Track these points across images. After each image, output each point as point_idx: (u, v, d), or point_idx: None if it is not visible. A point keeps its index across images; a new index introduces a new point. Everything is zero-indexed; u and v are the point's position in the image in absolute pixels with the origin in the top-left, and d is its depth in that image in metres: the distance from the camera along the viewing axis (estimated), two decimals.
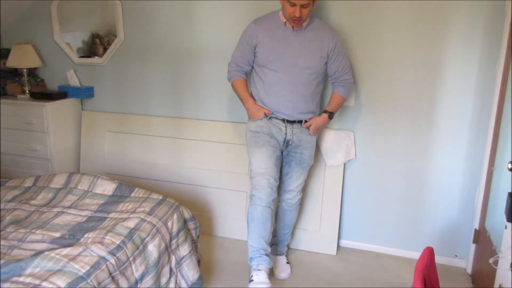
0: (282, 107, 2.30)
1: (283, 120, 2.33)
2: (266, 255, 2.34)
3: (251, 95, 2.39)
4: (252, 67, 2.38)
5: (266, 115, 2.33)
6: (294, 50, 2.25)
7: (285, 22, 2.25)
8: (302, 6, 2.11)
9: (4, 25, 3.19)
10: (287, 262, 2.60)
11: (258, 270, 2.30)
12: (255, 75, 2.37)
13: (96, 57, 3.11)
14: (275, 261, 2.58)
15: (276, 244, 2.63)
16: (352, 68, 2.54)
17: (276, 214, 2.59)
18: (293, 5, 2.11)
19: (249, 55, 2.33)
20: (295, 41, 2.26)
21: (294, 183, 2.45)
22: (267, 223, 2.31)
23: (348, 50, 2.57)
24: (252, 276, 2.30)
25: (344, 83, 2.38)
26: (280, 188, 2.50)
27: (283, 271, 2.53)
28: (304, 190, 2.78)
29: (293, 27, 2.24)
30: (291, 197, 2.48)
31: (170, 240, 2.03)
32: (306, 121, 2.35)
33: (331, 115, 2.39)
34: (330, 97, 2.43)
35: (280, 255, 2.62)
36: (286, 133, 2.33)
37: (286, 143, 2.35)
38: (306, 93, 2.31)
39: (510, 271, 1.55)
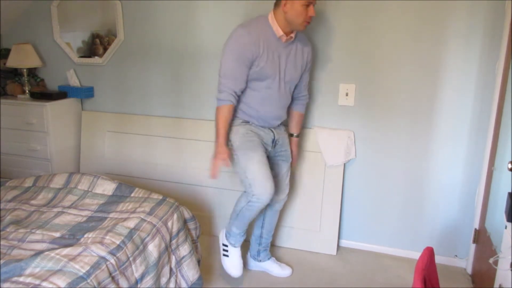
0: (268, 119, 2.25)
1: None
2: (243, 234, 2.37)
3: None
4: None
5: (248, 122, 2.24)
6: (282, 64, 2.18)
7: (281, 36, 2.11)
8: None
9: (4, 25, 3.19)
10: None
11: (235, 247, 2.34)
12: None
13: (96, 57, 3.11)
14: (271, 265, 2.56)
15: (266, 249, 2.58)
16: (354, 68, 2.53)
17: (263, 222, 2.52)
18: (309, 4, 2.04)
19: (248, 70, 2.10)
20: (284, 54, 2.16)
21: (285, 180, 2.44)
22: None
23: (348, 50, 2.58)
24: (228, 250, 2.35)
25: (304, 98, 2.42)
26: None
27: (285, 268, 2.55)
28: (304, 190, 2.79)
29: (285, 40, 2.14)
30: (284, 195, 2.46)
31: (170, 240, 2.03)
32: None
33: (298, 136, 2.49)
34: (294, 117, 2.43)
35: (271, 257, 2.60)
36: (273, 134, 2.30)
37: (274, 143, 2.33)
38: (286, 104, 2.31)
39: (510, 271, 1.55)
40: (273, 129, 2.31)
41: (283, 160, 2.40)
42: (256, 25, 2.11)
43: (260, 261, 2.57)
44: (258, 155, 2.17)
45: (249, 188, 2.17)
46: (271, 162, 2.38)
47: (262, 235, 2.53)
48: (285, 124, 2.45)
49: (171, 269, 2.02)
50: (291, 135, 2.48)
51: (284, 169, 2.42)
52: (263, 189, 2.13)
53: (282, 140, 2.36)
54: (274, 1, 2.13)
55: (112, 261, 1.67)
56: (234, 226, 2.30)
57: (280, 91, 2.22)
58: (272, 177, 2.23)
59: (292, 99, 2.38)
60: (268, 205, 2.44)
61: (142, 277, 1.80)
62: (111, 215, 2.01)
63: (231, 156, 2.16)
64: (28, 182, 2.35)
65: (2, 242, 1.76)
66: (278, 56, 2.14)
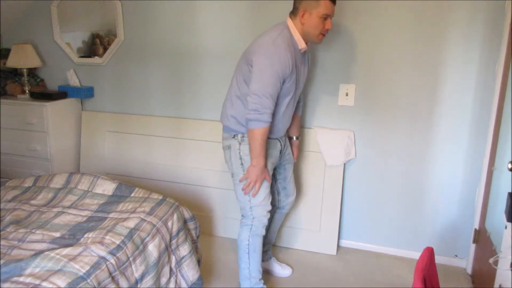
0: (282, 130, 2.22)
1: None
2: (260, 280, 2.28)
3: None
4: None
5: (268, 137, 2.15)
6: (299, 76, 2.13)
7: (302, 48, 2.06)
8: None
9: (4, 25, 3.19)
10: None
11: None
12: None
13: (96, 57, 3.11)
14: (272, 265, 2.57)
15: (267, 249, 2.58)
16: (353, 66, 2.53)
17: (270, 224, 2.48)
18: (327, 17, 1.99)
19: (280, 87, 2.00)
20: (300, 66, 2.09)
21: (292, 182, 2.44)
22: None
23: (348, 50, 2.58)
24: None
25: (301, 101, 2.43)
26: (281, 195, 2.43)
27: (285, 268, 2.55)
28: (304, 190, 2.79)
29: (304, 50, 2.10)
30: (293, 197, 2.46)
31: (170, 240, 2.03)
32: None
33: (298, 138, 2.49)
34: (294, 120, 2.38)
35: (272, 257, 2.60)
36: (280, 144, 2.27)
37: (281, 152, 2.30)
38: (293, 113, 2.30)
39: (510, 271, 1.55)
40: (279, 139, 2.26)
41: (289, 163, 2.40)
42: (286, 39, 1.99)
43: (262, 260, 2.57)
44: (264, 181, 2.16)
45: (248, 211, 2.16)
46: (280, 168, 2.37)
47: (266, 235, 2.53)
48: None
49: (171, 269, 2.02)
50: (291, 138, 2.45)
51: (290, 171, 2.41)
52: (263, 212, 2.17)
53: (286, 145, 2.36)
54: (292, 10, 2.05)
55: (112, 261, 1.68)
56: (251, 270, 2.22)
57: (295, 102, 2.21)
58: (282, 183, 2.33)
59: None
60: (277, 208, 2.45)
61: (142, 277, 1.80)
62: (111, 215, 2.01)
63: (267, 173, 2.11)
64: (28, 182, 2.35)
65: (2, 242, 1.76)
66: (298, 69, 2.10)
